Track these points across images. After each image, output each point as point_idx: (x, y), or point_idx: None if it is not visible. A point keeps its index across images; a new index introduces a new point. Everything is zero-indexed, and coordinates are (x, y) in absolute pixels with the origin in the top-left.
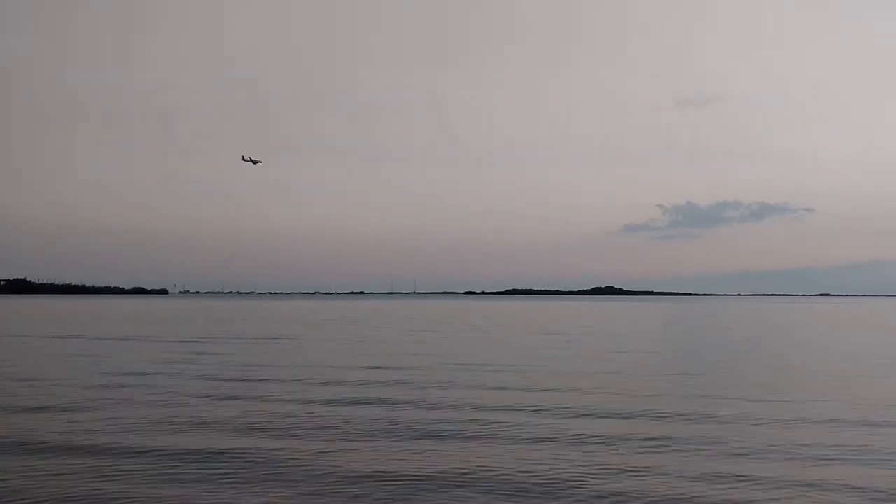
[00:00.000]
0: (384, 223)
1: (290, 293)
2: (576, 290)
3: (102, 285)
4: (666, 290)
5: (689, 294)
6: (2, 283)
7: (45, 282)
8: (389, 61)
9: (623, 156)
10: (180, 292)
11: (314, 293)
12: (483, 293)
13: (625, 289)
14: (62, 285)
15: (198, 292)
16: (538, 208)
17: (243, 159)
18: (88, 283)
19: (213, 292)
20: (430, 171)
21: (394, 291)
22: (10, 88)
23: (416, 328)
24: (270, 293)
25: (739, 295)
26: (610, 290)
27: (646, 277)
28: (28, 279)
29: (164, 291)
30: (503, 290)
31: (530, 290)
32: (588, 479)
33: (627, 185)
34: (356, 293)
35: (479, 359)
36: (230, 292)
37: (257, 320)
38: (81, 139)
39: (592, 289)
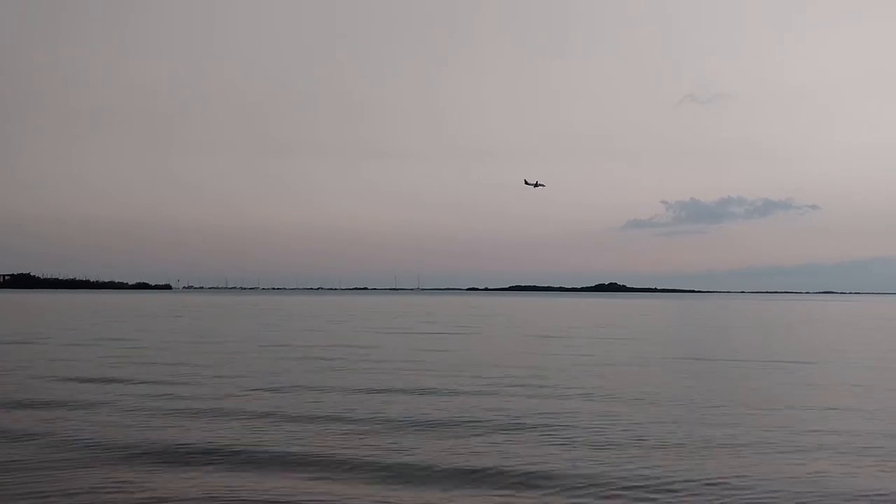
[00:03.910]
0: (386, 220)
1: (294, 289)
2: (579, 286)
3: (106, 280)
4: (669, 287)
5: (693, 291)
6: (6, 277)
7: (48, 277)
8: (390, 60)
9: (626, 152)
10: (184, 287)
11: (318, 289)
12: (486, 289)
13: (628, 285)
14: (65, 280)
15: (201, 287)
16: (541, 205)
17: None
18: (92, 279)
19: (217, 287)
20: (430, 170)
21: (397, 287)
22: (10, 88)
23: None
24: (274, 289)
25: (743, 292)
26: (613, 287)
27: (649, 274)
28: (32, 274)
29: (167, 286)
30: (506, 286)
31: (533, 286)
32: None
33: (631, 182)
34: (359, 289)
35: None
36: (234, 287)
37: (258, 318)
38: (81, 139)
39: (596, 285)
